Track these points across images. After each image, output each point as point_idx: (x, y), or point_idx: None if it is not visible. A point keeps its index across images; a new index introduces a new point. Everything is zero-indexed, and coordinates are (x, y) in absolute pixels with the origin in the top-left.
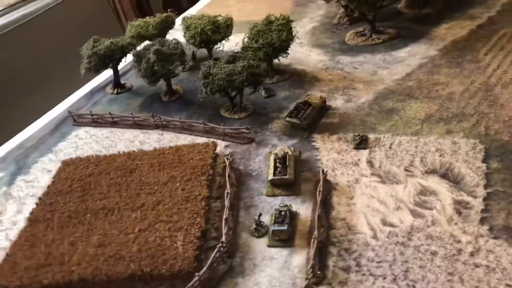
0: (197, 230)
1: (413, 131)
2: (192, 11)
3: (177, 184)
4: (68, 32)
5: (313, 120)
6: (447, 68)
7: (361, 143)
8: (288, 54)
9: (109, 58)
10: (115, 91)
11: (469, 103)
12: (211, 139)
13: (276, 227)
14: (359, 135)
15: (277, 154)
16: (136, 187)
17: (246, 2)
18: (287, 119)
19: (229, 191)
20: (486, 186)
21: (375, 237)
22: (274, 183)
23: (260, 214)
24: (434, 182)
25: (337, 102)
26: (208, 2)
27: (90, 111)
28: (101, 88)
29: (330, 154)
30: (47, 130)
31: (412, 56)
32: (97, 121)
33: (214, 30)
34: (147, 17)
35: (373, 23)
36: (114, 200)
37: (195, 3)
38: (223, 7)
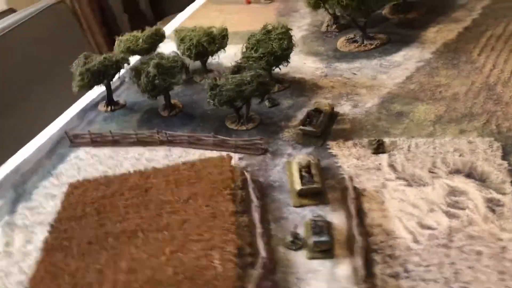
0: (232, 247)
1: (427, 133)
2: (175, 24)
3: (200, 201)
4: (34, 52)
5: (325, 127)
6: (445, 70)
7: (379, 148)
8: (289, 62)
9: (103, 74)
10: (109, 108)
11: (475, 103)
12: (223, 152)
13: (317, 238)
14: (376, 139)
15: (300, 163)
16: (156, 206)
17: (230, 13)
18: (301, 127)
19: (257, 204)
20: None
21: (415, 241)
22: (302, 193)
23: (296, 226)
24: (460, 182)
25: (344, 108)
26: (190, 14)
27: (89, 130)
28: (92, 106)
29: (349, 160)
30: (43, 153)
31: (408, 60)
32: (97, 141)
33: (210, 41)
34: (135, 31)
35: (364, 30)
36: (134, 221)
37: (156, 8)
38: (206, 18)
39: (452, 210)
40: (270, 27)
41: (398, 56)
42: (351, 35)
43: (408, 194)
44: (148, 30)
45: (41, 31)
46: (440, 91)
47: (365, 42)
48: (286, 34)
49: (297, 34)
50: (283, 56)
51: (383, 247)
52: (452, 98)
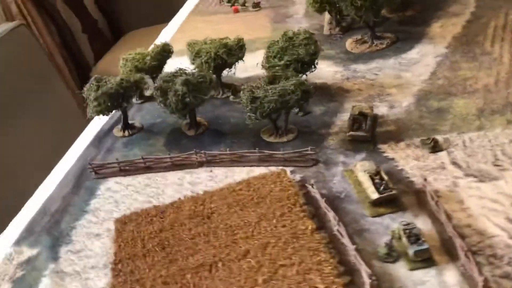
0: (330, 267)
1: (476, 127)
2: (162, 39)
3: (274, 221)
4: None
5: (373, 130)
6: (466, 63)
7: (436, 146)
8: (316, 68)
9: (122, 96)
10: (126, 133)
11: (509, 93)
12: (272, 168)
13: (417, 248)
14: (429, 138)
15: (368, 170)
16: (227, 233)
17: (218, 23)
18: (351, 133)
19: (336, 218)
20: None
21: None
22: (378, 202)
23: (392, 238)
24: None
25: (381, 110)
26: (178, 28)
27: (117, 159)
28: (106, 132)
29: (409, 162)
30: (68, 189)
31: (424, 56)
32: (126, 169)
33: (228, 53)
34: (139, 49)
35: (373, 30)
36: (209, 252)
37: (113, 26)
38: (195, 30)
39: None
40: (291, 34)
41: (413, 53)
42: (359, 36)
43: (484, 190)
44: (156, 47)
45: (3, 56)
46: (470, 84)
47: (375, 42)
48: (311, 39)
49: None
50: (311, 62)
51: (482, 247)
52: (484, 90)
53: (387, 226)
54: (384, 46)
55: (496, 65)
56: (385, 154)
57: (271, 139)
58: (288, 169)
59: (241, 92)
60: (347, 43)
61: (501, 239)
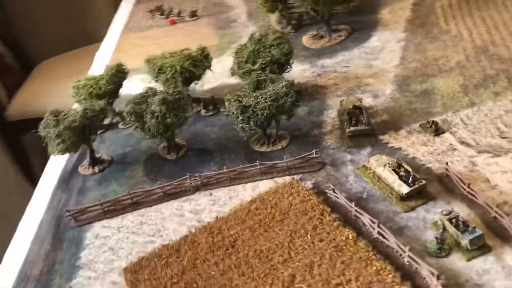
0: (390, 275)
1: (467, 104)
2: (101, 60)
3: (308, 237)
4: None
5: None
6: (429, 44)
7: (438, 129)
8: (291, 68)
9: (89, 128)
10: (96, 169)
11: (483, 66)
12: (277, 179)
13: (471, 236)
14: (429, 122)
15: (388, 164)
16: (260, 260)
17: (158, 38)
18: (351, 129)
19: (375, 221)
20: None
21: None
22: (408, 196)
23: (443, 230)
24: None
25: (366, 101)
26: (114, 48)
27: (99, 200)
28: (71, 171)
29: (417, 148)
30: (46, 244)
31: (387, 43)
32: (112, 210)
33: (194, 64)
34: (88, 75)
35: (329, 23)
36: (249, 285)
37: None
38: (136, 47)
39: None
40: (258, 36)
41: (374, 41)
42: (314, 32)
43: (504, 164)
44: (109, 68)
45: None
46: (442, 63)
47: (332, 35)
48: (282, 38)
49: None
50: (286, 61)
51: None
52: (459, 67)
53: (424, 220)
54: (343, 37)
55: (459, 41)
56: (390, 145)
57: (264, 149)
58: (296, 177)
59: (227, 103)
60: (303, 40)
61: None
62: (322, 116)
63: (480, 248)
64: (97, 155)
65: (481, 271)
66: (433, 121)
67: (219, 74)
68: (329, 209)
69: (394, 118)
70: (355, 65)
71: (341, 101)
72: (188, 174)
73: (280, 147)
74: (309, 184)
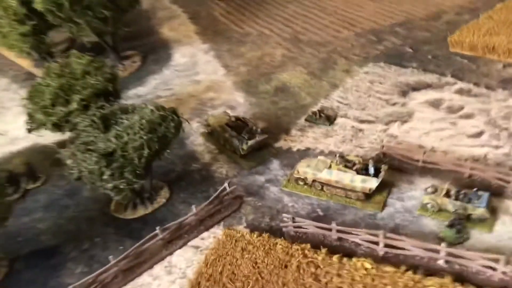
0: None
1: (330, 86)
2: None
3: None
4: None
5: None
6: (241, 47)
7: (329, 117)
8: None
9: None
10: None
11: (311, 53)
12: (196, 241)
13: (484, 202)
14: (314, 113)
15: (336, 161)
16: None
17: None
18: (250, 144)
19: (382, 233)
20: None
21: None
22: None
23: (459, 217)
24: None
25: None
26: None
27: None
28: None
29: (326, 141)
30: None
31: (195, 57)
32: None
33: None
34: None
35: (117, 50)
36: None
37: None
38: None
39: None
40: (57, 68)
41: (179, 59)
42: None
43: (419, 126)
44: None
45: None
46: (270, 60)
47: (124, 63)
48: (99, 62)
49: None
50: (114, 89)
51: None
52: (289, 58)
53: (407, 210)
54: (139, 62)
55: (267, 38)
56: (295, 148)
57: (142, 212)
58: (221, 228)
59: (69, 161)
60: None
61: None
62: (186, 146)
63: (492, 212)
64: None
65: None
66: (318, 111)
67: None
68: (308, 246)
69: (272, 122)
70: (177, 85)
71: (206, 122)
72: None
73: (164, 200)
74: (242, 228)
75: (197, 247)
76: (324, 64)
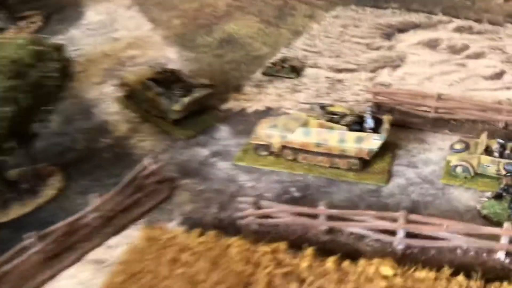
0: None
1: (291, 34)
2: None
3: None
4: None
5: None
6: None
7: (294, 68)
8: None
9: None
10: None
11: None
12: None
13: None
14: (274, 64)
15: (319, 116)
16: None
17: None
18: (186, 101)
19: (396, 217)
20: None
21: None
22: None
23: (506, 186)
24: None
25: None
26: None
27: None
28: None
29: (294, 97)
30: None
31: (114, 13)
32: None
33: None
34: None
35: (9, 9)
36: None
37: None
38: None
39: None
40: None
41: (94, 16)
42: None
43: (414, 71)
44: None
45: None
46: (213, 10)
47: (18, 23)
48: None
49: None
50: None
51: None
52: (235, 8)
53: (425, 179)
54: (40, 23)
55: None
56: (251, 109)
57: (10, 213)
58: (138, 228)
59: None
60: None
61: None
62: (94, 116)
63: None
64: None
65: None
66: (280, 61)
67: None
68: (283, 245)
69: (217, 79)
70: (88, 44)
71: (123, 81)
72: None
73: (54, 192)
74: (173, 225)
75: (99, 262)
76: (280, 11)
